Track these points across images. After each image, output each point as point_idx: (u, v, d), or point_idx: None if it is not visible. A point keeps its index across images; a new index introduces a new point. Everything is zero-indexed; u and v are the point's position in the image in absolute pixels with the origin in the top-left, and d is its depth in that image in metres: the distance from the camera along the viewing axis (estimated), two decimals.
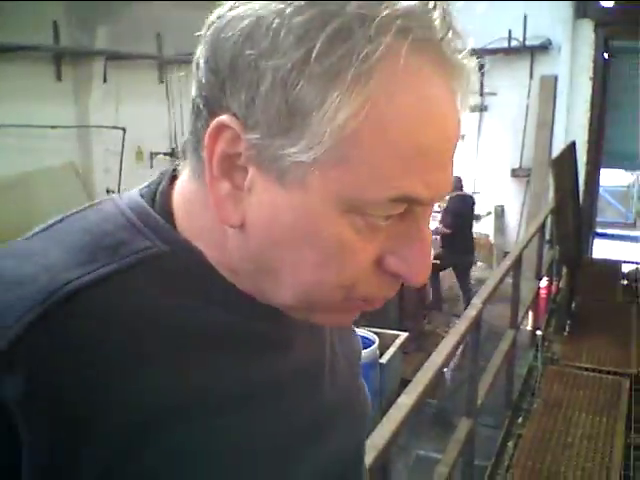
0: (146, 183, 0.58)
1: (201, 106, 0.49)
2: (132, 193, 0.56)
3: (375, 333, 4.63)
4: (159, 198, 0.55)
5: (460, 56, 0.47)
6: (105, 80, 5.77)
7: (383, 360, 4.47)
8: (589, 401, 3.36)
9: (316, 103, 0.44)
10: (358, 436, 0.69)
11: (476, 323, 2.41)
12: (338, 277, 0.49)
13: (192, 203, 0.53)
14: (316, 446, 0.60)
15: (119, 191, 0.55)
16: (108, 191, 5.64)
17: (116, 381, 0.46)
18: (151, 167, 6.30)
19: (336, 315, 0.53)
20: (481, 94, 7.56)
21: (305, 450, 0.58)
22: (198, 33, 0.49)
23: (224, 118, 0.46)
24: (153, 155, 6.48)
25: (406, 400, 1.69)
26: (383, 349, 4.61)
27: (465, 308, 6.03)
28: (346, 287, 0.49)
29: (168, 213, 0.54)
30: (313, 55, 0.43)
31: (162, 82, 6.52)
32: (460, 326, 2.31)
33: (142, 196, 0.55)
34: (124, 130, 5.88)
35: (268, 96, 0.45)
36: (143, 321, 0.49)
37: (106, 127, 5.80)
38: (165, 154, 6.51)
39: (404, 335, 4.91)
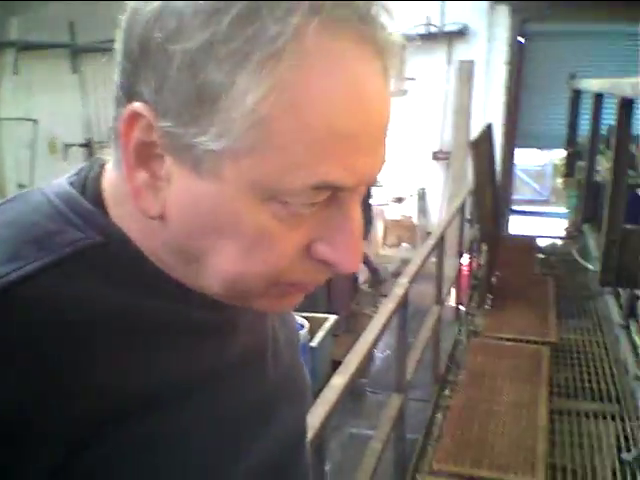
0: (75, 170, 0.55)
1: (120, 93, 0.48)
2: (60, 181, 0.54)
3: (304, 317, 4.68)
4: (90, 185, 0.53)
5: (385, 33, 0.46)
6: (16, 72, 5.52)
7: (314, 343, 4.53)
8: (512, 370, 3.52)
9: (224, 88, 0.43)
10: (302, 414, 0.70)
11: (403, 301, 2.47)
12: (263, 266, 0.48)
13: (119, 191, 0.51)
14: (265, 427, 0.61)
15: (32, 186, 0.53)
16: (20, 186, 5.43)
17: (53, 382, 0.44)
18: (65, 160, 6.09)
19: (272, 301, 0.53)
20: (401, 79, 7.68)
21: (254, 431, 0.59)
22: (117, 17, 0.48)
23: (137, 105, 0.45)
24: (67, 147, 6.26)
25: (339, 380, 1.72)
26: (313, 332, 4.67)
27: (369, 285, 6.15)
28: (271, 276, 0.49)
29: (99, 201, 0.52)
30: (219, 37, 0.42)
31: (76, 72, 6.30)
32: (388, 305, 2.37)
33: (71, 184, 0.53)
34: (35, 122, 5.65)
35: (176, 81, 0.44)
36: (79, 317, 0.47)
37: (16, 119, 5.56)
38: (80, 145, 6.30)
39: (333, 318, 4.98)
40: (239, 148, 0.44)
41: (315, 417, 1.46)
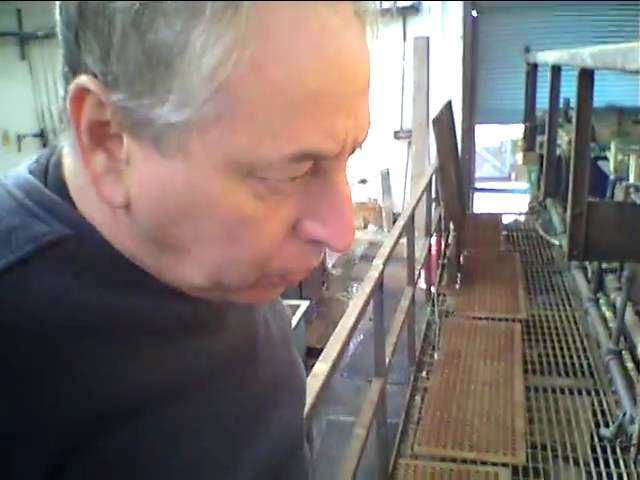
0: (34, 157, 0.49)
1: (66, 68, 0.41)
2: (19, 170, 0.47)
3: None
4: (52, 174, 0.46)
5: None
6: None
7: None
8: (486, 348, 3.52)
9: (177, 48, 0.36)
10: (300, 409, 0.66)
11: (379, 283, 2.42)
12: (248, 253, 0.42)
13: (80, 180, 0.45)
14: (263, 424, 0.56)
15: None
16: None
17: (26, 393, 0.39)
18: (19, 150, 5.90)
19: (254, 293, 0.47)
20: None
21: (252, 429, 0.55)
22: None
23: (83, 80, 0.38)
24: (21, 138, 6.06)
25: (322, 367, 1.66)
26: None
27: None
28: (260, 263, 0.43)
29: (63, 191, 0.45)
30: None
31: (24, 59, 6.08)
32: (364, 288, 2.31)
33: (31, 172, 0.46)
34: None
35: (122, 46, 0.37)
36: (50, 318, 0.41)
37: None
38: (34, 135, 6.10)
39: (305, 303, 4.94)
40: (204, 119, 0.38)
41: None
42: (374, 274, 2.46)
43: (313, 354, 3.26)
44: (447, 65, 7.65)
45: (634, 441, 2.44)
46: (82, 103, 0.39)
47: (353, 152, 0.45)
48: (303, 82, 0.38)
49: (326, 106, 0.40)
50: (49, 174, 0.46)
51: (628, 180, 3.32)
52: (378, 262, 2.59)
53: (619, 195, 3.50)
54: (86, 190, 0.44)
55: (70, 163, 0.46)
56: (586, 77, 3.62)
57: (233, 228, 0.41)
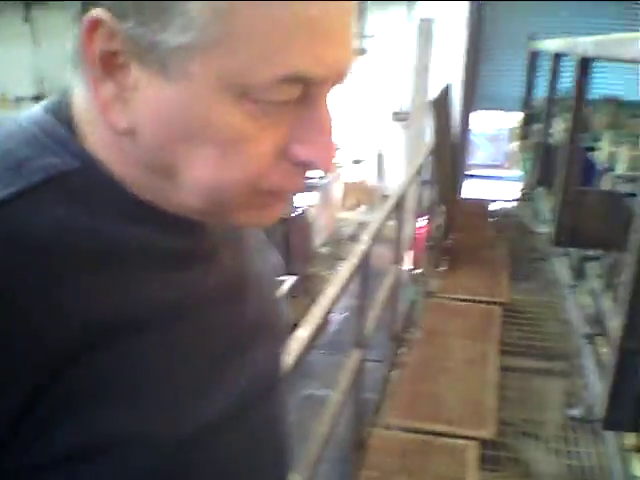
0: (52, 96, 0.53)
1: (80, 7, 0.45)
2: (35, 107, 0.52)
3: None
4: (64, 111, 0.51)
5: None
6: None
7: None
8: (464, 328, 3.61)
9: None
10: (279, 349, 0.70)
11: (365, 258, 2.49)
12: (241, 171, 0.47)
13: (89, 116, 0.49)
14: (245, 358, 0.60)
15: None
16: None
17: (29, 306, 0.43)
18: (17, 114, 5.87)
19: (253, 213, 0.52)
20: (360, 37, 7.62)
21: (234, 361, 0.59)
22: None
23: (95, 12, 0.43)
24: (19, 101, 6.03)
25: (304, 332, 1.73)
26: None
27: None
28: (252, 182, 0.48)
29: (73, 127, 0.50)
30: None
31: (27, 21, 6.02)
32: (351, 261, 2.37)
33: (46, 110, 0.51)
34: None
35: None
36: (53, 242, 0.45)
37: None
38: (32, 99, 6.07)
39: (291, 279, 4.99)
40: (204, 42, 0.42)
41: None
42: (361, 248, 2.52)
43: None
44: (450, 49, 7.65)
45: (599, 416, 2.53)
46: (94, 35, 0.44)
47: (339, 81, 0.49)
48: (297, 9, 0.43)
49: (318, 34, 0.44)
50: (61, 112, 0.51)
51: (616, 171, 3.39)
52: (365, 237, 2.66)
53: (606, 185, 3.57)
54: (94, 125, 0.49)
55: (80, 101, 0.50)
56: (585, 66, 3.67)
57: (228, 147, 0.46)
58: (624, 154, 3.35)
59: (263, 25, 0.42)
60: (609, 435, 2.51)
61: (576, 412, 2.82)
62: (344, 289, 2.12)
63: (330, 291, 2.01)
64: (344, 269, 2.24)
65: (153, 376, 0.50)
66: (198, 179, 0.48)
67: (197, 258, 0.55)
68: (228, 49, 0.43)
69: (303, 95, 0.46)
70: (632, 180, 3.19)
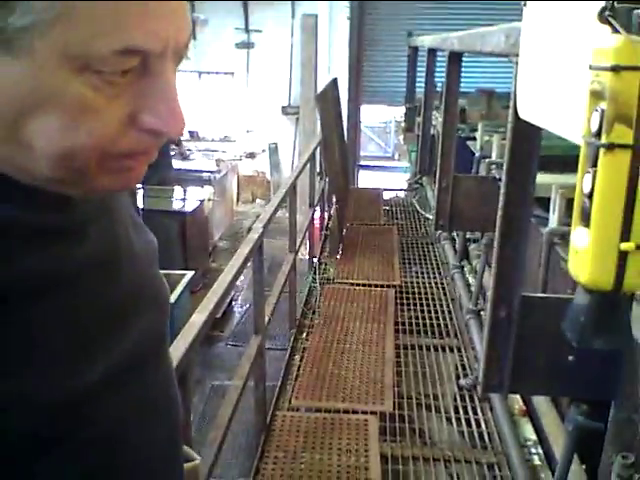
0: None
1: None
2: None
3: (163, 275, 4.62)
4: None
5: None
6: None
7: (171, 300, 4.50)
8: (362, 312, 3.75)
9: None
10: (161, 320, 0.73)
11: (259, 245, 2.53)
12: (89, 138, 0.50)
13: None
14: (124, 328, 0.63)
15: None
16: None
17: None
18: None
19: (112, 178, 0.55)
20: (247, 30, 7.63)
21: (113, 330, 0.61)
22: None
23: None
24: None
25: (199, 317, 1.75)
26: (170, 289, 4.64)
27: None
28: (101, 147, 0.51)
29: None
30: None
31: None
32: (244, 248, 2.42)
33: None
34: None
35: None
36: None
37: None
38: None
39: (190, 274, 4.96)
40: (45, 21, 0.45)
41: (177, 352, 1.49)
42: (254, 235, 2.57)
43: None
44: (334, 44, 7.83)
45: (479, 381, 2.71)
46: None
47: (180, 57, 0.54)
48: None
49: (149, 8, 0.48)
50: None
51: (491, 158, 3.63)
52: (258, 225, 2.72)
53: (482, 171, 3.81)
54: None
55: None
56: (455, 60, 3.90)
57: (74, 116, 0.49)
58: (496, 142, 3.60)
59: (99, 3, 0.46)
60: (498, 402, 2.71)
61: (467, 382, 3.01)
62: (237, 276, 2.17)
63: (224, 278, 2.05)
64: (237, 257, 2.28)
65: (33, 343, 0.52)
66: (49, 147, 0.50)
67: (68, 233, 0.57)
68: (68, 26, 0.46)
69: (145, 67, 0.50)
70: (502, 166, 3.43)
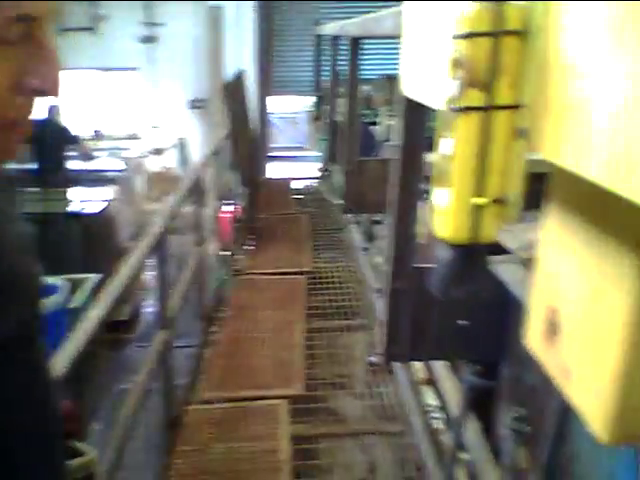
0: None
1: None
2: None
3: (63, 279, 4.50)
4: None
5: None
6: None
7: (74, 304, 4.40)
8: (272, 300, 3.76)
9: None
10: (32, 303, 0.73)
11: (161, 239, 2.48)
12: None
13: None
14: None
15: None
16: None
17: None
18: None
19: None
20: (150, 24, 7.45)
21: None
22: None
23: None
24: None
25: (94, 312, 1.72)
26: (74, 294, 4.55)
27: None
28: None
29: None
30: None
31: None
32: (144, 242, 2.36)
33: None
34: None
35: None
36: None
37: None
38: None
39: (95, 277, 4.84)
40: None
41: (72, 346, 1.47)
42: (155, 230, 2.52)
43: (109, 328, 3.27)
44: (241, 35, 7.76)
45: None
46: None
47: (51, 19, 0.59)
48: None
49: None
50: None
51: (391, 141, 3.72)
52: (159, 219, 2.66)
53: (385, 155, 3.91)
54: None
55: None
56: (355, 45, 3.96)
57: None
58: (397, 126, 3.68)
59: None
60: (401, 373, 2.78)
61: (375, 358, 3.08)
62: (137, 271, 2.12)
63: (122, 272, 2.00)
64: (137, 251, 2.22)
65: None
66: None
67: None
68: None
69: (27, 34, 0.56)
70: None
